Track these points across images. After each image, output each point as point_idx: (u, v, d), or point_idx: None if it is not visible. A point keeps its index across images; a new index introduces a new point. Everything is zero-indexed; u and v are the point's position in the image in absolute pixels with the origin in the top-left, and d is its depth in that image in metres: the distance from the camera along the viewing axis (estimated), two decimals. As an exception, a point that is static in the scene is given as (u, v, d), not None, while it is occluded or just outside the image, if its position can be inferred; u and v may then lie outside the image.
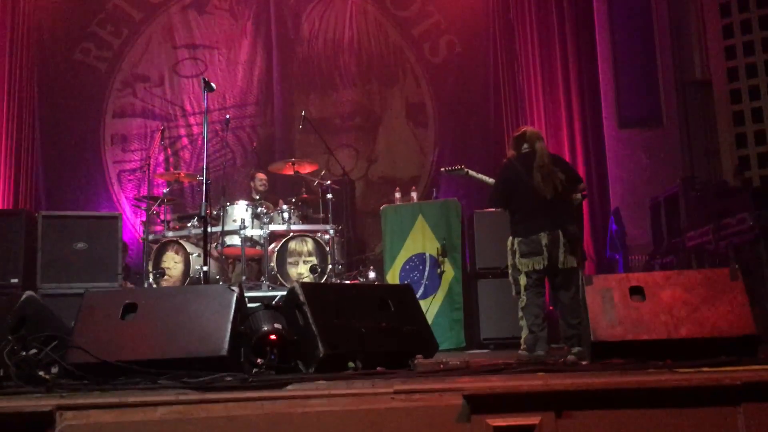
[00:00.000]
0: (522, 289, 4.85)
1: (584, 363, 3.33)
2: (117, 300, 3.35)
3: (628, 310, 3.34)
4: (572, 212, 5.06)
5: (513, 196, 5.01)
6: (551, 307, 5.97)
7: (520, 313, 4.86)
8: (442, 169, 6.49)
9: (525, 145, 5.05)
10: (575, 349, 4.63)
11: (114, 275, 6.17)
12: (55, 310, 3.52)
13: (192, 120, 9.29)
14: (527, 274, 4.83)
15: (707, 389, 2.45)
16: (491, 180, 5.70)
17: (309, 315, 3.41)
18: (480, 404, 2.39)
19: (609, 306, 3.33)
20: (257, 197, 7.50)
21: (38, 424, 2.28)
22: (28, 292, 3.42)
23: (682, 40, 8.63)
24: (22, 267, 6.00)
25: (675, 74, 8.58)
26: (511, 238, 5.01)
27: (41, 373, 2.91)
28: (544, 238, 4.81)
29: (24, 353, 2.95)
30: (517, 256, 4.90)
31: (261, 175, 7.76)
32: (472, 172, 6.11)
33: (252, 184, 7.77)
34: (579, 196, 5.22)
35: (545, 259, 4.80)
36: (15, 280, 5.93)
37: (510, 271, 5.01)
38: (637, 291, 3.39)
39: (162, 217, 7.09)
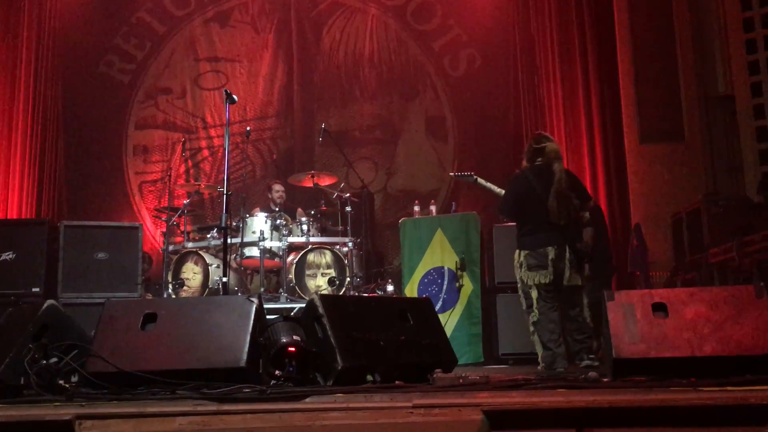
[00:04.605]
0: (534, 302, 4.79)
1: (606, 380, 3.28)
2: (137, 310, 3.36)
3: (651, 327, 3.29)
4: (581, 230, 4.96)
5: (523, 208, 4.96)
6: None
7: (532, 329, 4.79)
8: (451, 173, 6.41)
9: (539, 159, 4.99)
10: (585, 362, 4.57)
11: (134, 285, 6.21)
12: (76, 320, 3.53)
13: (213, 132, 9.39)
14: (537, 288, 4.78)
15: (732, 408, 2.39)
16: (500, 190, 5.65)
17: (328, 327, 3.39)
18: (500, 420, 2.36)
19: (631, 322, 3.28)
20: (276, 209, 7.51)
21: (58, 433, 2.29)
22: (50, 301, 3.43)
23: (704, 55, 8.55)
24: (43, 276, 6.05)
25: (697, 89, 8.50)
26: (518, 251, 4.95)
27: (61, 381, 2.94)
28: (551, 252, 4.76)
29: (45, 362, 2.97)
30: (524, 269, 4.85)
31: (278, 186, 7.70)
32: (481, 180, 6.02)
33: (269, 195, 7.75)
34: (587, 213, 5.11)
35: (551, 274, 4.75)
36: (36, 290, 5.97)
37: (519, 285, 4.95)
38: (660, 307, 3.33)
39: (182, 228, 7.14)
